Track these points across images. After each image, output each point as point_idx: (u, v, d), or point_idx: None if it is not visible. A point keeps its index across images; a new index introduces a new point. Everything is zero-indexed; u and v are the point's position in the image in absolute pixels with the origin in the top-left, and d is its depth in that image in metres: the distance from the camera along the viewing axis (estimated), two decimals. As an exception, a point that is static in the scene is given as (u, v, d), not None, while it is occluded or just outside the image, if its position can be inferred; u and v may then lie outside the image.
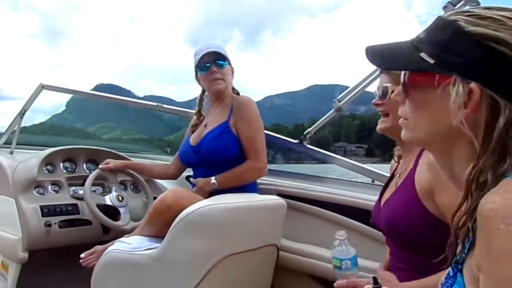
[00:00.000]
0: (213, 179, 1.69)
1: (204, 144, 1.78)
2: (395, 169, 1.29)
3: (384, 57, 0.64)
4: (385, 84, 1.14)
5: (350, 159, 2.02)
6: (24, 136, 2.54)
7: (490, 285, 0.45)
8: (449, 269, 0.56)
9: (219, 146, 1.75)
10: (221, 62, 1.82)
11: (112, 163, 2.03)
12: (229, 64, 1.88)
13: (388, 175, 1.83)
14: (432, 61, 0.56)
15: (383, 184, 1.81)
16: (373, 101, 1.18)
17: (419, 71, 0.59)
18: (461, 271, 0.52)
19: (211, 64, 1.80)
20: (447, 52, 0.54)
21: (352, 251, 1.10)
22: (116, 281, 1.55)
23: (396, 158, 1.33)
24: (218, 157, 1.75)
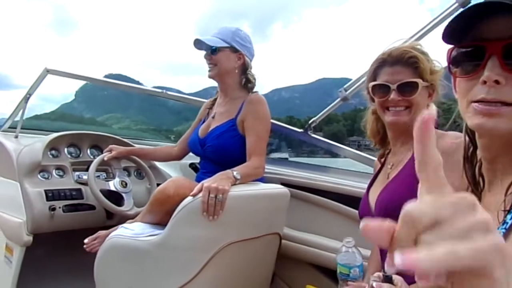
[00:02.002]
0: (235, 173, 1.54)
1: (209, 140, 1.77)
2: (382, 165, 1.29)
3: None
4: (414, 80, 1.11)
5: (365, 152, 1.98)
6: (31, 121, 2.55)
7: None
8: None
9: (223, 144, 1.73)
10: (212, 48, 1.77)
11: (115, 150, 2.03)
12: (232, 50, 1.78)
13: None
14: None
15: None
16: (392, 97, 1.12)
17: None
18: None
19: (206, 51, 1.79)
20: None
21: (360, 259, 1.08)
22: (119, 266, 1.56)
23: (379, 159, 1.35)
24: (222, 155, 1.74)
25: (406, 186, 1.08)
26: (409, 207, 0.31)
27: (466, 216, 0.28)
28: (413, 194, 1.03)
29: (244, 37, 1.80)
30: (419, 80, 1.11)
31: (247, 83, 1.81)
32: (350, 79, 1.91)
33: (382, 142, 1.31)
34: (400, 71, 1.13)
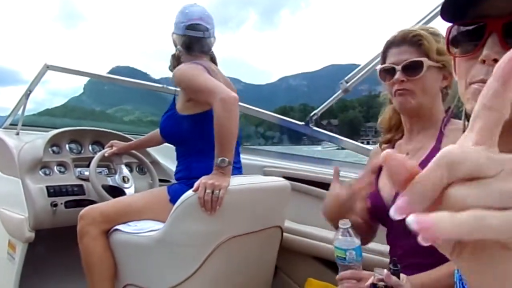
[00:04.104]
0: (219, 160, 1.43)
1: (159, 127, 1.81)
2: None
3: None
4: (418, 58, 1.05)
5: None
6: (42, 116, 2.55)
7: None
8: None
9: (164, 128, 1.77)
10: None
11: (116, 145, 2.02)
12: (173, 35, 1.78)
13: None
14: None
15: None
16: (397, 77, 1.07)
17: None
18: None
19: None
20: None
21: (357, 241, 1.03)
22: (119, 261, 1.56)
23: (381, 145, 1.27)
24: (169, 139, 1.79)
25: None
26: (450, 148, 0.26)
27: None
28: None
29: (176, 16, 1.78)
30: (424, 59, 1.05)
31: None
32: (359, 65, 1.88)
33: (392, 129, 1.24)
34: (405, 50, 1.08)
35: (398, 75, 1.07)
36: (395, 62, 1.09)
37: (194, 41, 1.73)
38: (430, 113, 1.12)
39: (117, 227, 1.57)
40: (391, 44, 1.13)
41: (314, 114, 2.04)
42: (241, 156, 1.80)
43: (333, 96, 1.95)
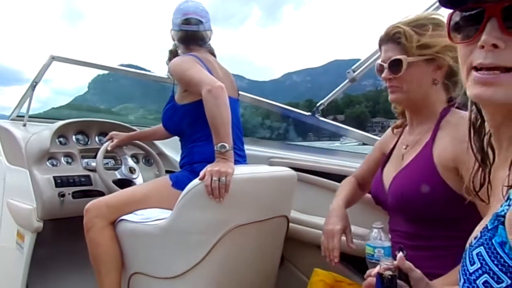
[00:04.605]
0: (219, 146, 1.45)
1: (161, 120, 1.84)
2: (396, 141, 1.26)
3: None
4: (398, 57, 1.09)
5: None
6: (48, 114, 2.55)
7: None
8: (486, 222, 0.53)
9: (166, 120, 1.80)
10: None
11: (116, 137, 2.00)
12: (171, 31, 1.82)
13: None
14: None
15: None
16: (383, 75, 1.13)
17: None
18: (502, 223, 0.49)
19: None
20: None
21: (387, 243, 1.07)
22: (127, 250, 1.57)
23: (393, 130, 1.31)
24: (172, 130, 1.82)
25: (421, 174, 1.06)
26: None
27: None
28: (428, 183, 1.00)
29: (173, 13, 1.83)
30: (403, 57, 1.08)
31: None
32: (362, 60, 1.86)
33: (403, 115, 1.27)
34: (389, 48, 1.12)
35: (385, 73, 1.12)
36: (383, 59, 1.14)
37: (190, 35, 1.77)
38: (425, 105, 1.14)
39: (123, 217, 1.58)
40: (381, 41, 1.16)
41: (321, 104, 2.03)
42: (249, 146, 1.80)
43: (340, 86, 1.93)
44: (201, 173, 1.41)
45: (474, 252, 0.53)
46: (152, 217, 1.54)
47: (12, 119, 2.38)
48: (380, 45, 1.17)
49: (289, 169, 1.65)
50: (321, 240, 1.22)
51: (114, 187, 1.84)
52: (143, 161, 2.27)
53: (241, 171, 1.47)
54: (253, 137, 2.44)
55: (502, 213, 0.51)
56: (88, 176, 1.96)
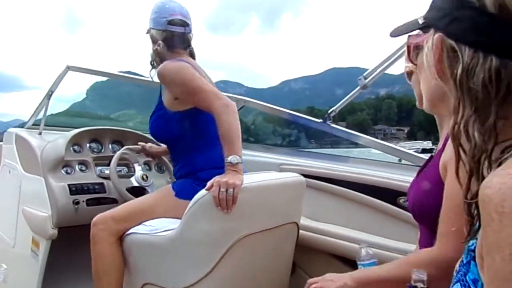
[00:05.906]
0: (231, 158, 1.44)
1: (150, 128, 1.79)
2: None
3: None
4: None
5: (391, 142, 1.95)
6: (52, 118, 2.60)
7: (488, 276, 0.41)
8: (463, 255, 0.53)
9: (156, 128, 1.74)
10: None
11: (150, 150, 2.06)
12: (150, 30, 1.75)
13: (416, 154, 1.78)
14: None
15: (411, 164, 1.75)
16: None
17: None
18: (474, 258, 0.49)
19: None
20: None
21: (374, 259, 1.13)
22: (135, 261, 1.57)
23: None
24: (163, 138, 1.80)
25: (428, 181, 1.03)
26: None
27: None
28: (430, 190, 0.97)
29: (152, 11, 1.75)
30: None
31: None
32: (359, 68, 1.87)
33: None
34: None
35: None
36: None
37: (176, 36, 1.71)
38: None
39: (132, 230, 1.58)
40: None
41: (332, 111, 2.03)
42: (260, 153, 1.80)
43: (352, 93, 1.93)
44: (209, 183, 1.39)
45: None
46: (160, 227, 1.54)
47: (28, 128, 2.43)
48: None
49: (297, 174, 1.64)
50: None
51: (127, 195, 1.87)
52: (155, 168, 2.29)
53: (249, 179, 1.46)
54: (264, 144, 2.44)
55: (472, 247, 0.50)
56: (102, 184, 1.99)
